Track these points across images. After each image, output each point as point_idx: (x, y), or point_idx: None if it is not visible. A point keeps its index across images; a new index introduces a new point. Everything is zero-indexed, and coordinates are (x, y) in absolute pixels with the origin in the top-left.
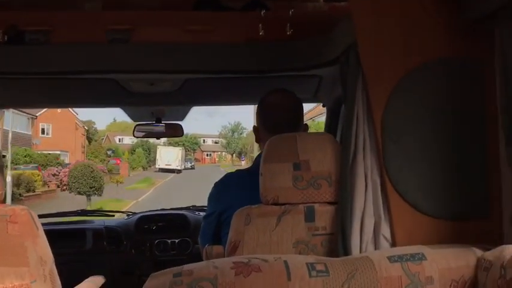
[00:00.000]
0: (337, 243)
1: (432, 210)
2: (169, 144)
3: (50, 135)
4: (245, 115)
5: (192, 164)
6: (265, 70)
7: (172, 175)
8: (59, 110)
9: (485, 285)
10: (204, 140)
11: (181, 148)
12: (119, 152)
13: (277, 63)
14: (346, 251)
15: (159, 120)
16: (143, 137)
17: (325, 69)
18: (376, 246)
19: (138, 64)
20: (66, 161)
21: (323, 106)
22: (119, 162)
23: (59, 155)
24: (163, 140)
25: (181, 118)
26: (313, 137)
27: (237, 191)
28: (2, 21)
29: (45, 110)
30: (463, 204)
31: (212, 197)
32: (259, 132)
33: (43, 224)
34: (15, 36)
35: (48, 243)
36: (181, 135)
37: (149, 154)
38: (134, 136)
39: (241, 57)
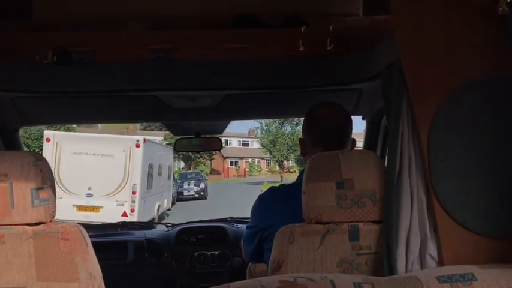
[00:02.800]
0: (383, 262)
1: (481, 228)
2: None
3: None
4: None
5: (202, 185)
6: (305, 85)
7: None
8: None
9: None
10: (227, 141)
11: (158, 142)
12: None
13: (317, 78)
14: (392, 271)
15: (198, 135)
16: (183, 151)
17: (366, 83)
18: (423, 265)
19: (180, 82)
20: None
21: (362, 119)
22: None
23: None
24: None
25: (220, 132)
26: (356, 155)
27: (281, 208)
28: (51, 42)
29: None
30: None
31: (255, 212)
32: (306, 145)
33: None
34: (62, 56)
35: (96, 259)
36: (220, 149)
37: None
38: (175, 149)
39: (281, 74)
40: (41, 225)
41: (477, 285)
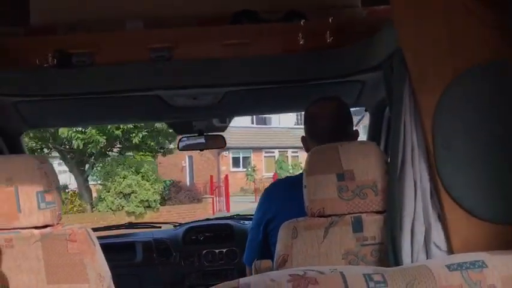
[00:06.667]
0: (388, 253)
1: (489, 215)
2: None
3: None
4: None
5: None
6: (306, 79)
7: None
8: None
9: None
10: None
11: None
12: None
13: (318, 71)
14: (397, 261)
15: (201, 133)
16: (187, 149)
17: (368, 74)
18: (428, 254)
19: (181, 80)
20: None
21: (365, 111)
22: None
23: None
24: None
25: (223, 129)
26: (355, 146)
27: (285, 198)
28: (51, 45)
29: None
30: None
31: (259, 206)
32: (307, 142)
33: None
34: (62, 59)
35: (105, 260)
36: (224, 147)
37: None
38: (179, 149)
39: (281, 68)
40: (49, 228)
41: (487, 272)
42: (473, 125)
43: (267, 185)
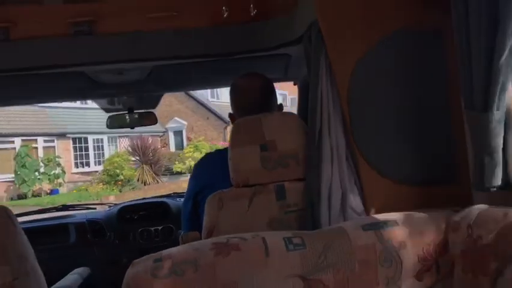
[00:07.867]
0: (307, 218)
1: (403, 177)
2: None
3: None
4: None
5: None
6: (232, 53)
7: None
8: None
9: (454, 246)
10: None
11: None
12: None
13: (243, 45)
14: (316, 225)
15: (131, 110)
16: (116, 127)
17: (293, 47)
18: (345, 218)
19: (104, 55)
20: None
21: (294, 84)
22: None
23: None
24: None
25: (154, 106)
26: (277, 117)
27: (215, 169)
28: None
29: None
30: (432, 170)
31: (191, 178)
32: (235, 117)
33: (24, 223)
34: None
35: (27, 240)
36: (155, 123)
37: None
38: (107, 127)
39: (207, 42)
40: None
41: (399, 230)
42: (385, 92)
43: None
